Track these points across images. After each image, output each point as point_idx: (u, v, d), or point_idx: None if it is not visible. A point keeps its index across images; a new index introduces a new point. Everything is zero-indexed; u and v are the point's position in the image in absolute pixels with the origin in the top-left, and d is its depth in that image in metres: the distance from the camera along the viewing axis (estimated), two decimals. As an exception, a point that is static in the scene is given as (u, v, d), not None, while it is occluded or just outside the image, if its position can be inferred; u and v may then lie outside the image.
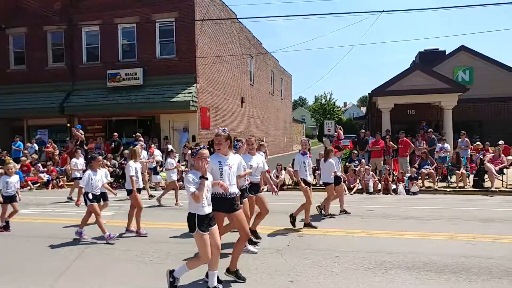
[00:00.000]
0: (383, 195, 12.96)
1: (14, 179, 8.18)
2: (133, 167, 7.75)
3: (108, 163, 16.43)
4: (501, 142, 15.00)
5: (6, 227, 8.11)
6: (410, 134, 17.71)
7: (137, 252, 6.41)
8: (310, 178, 8.01)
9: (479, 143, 16.57)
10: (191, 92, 18.33)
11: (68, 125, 20.45)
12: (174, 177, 11.63)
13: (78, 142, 18.12)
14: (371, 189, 13.12)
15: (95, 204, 7.23)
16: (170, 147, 11.79)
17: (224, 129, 4.99)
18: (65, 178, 16.39)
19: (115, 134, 18.37)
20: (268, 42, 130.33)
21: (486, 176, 13.18)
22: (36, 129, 21.71)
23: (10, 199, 8.10)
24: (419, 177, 13.58)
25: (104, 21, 19.71)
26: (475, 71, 24.64)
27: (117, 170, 16.06)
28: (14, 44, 21.60)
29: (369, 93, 24.50)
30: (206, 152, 4.47)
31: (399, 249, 6.29)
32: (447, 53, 26.46)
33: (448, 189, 13.12)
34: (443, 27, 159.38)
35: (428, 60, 25.88)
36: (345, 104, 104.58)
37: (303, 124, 64.47)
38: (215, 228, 4.56)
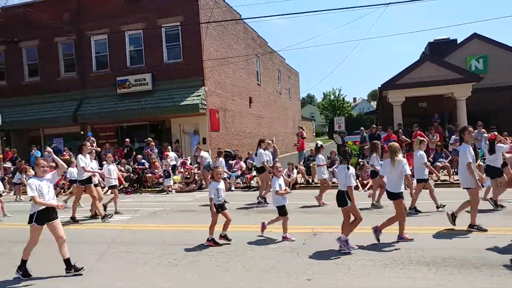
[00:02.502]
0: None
1: (223, 185, 7.21)
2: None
3: (123, 168, 16.64)
4: (520, 131, 14.62)
5: (215, 242, 6.89)
6: (423, 127, 17.50)
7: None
8: None
9: (495, 132, 16.22)
10: (200, 95, 18.42)
11: (82, 132, 20.75)
12: (325, 174, 10.92)
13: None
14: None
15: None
16: (320, 142, 11.14)
17: None
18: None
19: (127, 139, 18.56)
20: (273, 42, 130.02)
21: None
22: (52, 138, 22.05)
23: (221, 207, 7.01)
24: (434, 170, 13.37)
25: (112, 29, 19.93)
26: (489, 59, 24.15)
27: (131, 175, 16.23)
28: (27, 56, 22.06)
29: (379, 87, 24.30)
30: None
31: (417, 244, 6.20)
32: (458, 42, 26.01)
33: (464, 181, 12.88)
34: (454, 16, 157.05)
35: (439, 50, 25.47)
36: (354, 99, 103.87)
37: (313, 121, 64.20)
38: None
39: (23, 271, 5.52)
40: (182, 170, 16.37)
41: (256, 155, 11.39)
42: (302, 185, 14.31)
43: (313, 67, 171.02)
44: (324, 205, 10.28)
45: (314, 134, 59.98)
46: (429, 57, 23.20)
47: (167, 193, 14.37)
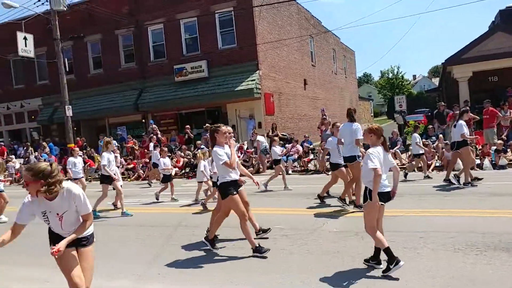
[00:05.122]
0: (466, 170, 12.08)
1: None
2: None
3: (183, 154, 17.20)
4: None
5: None
6: (494, 103, 16.23)
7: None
8: None
9: None
10: (254, 80, 18.46)
11: (143, 121, 21.70)
12: None
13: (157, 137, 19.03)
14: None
15: None
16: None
17: None
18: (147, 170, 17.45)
19: (187, 126, 19.05)
20: (327, 21, 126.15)
21: None
22: (116, 127, 23.33)
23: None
24: (508, 150, 12.42)
25: (167, 18, 20.44)
26: None
27: (192, 160, 16.73)
28: (92, 50, 23.35)
29: (442, 63, 22.88)
30: None
31: (492, 228, 5.81)
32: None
33: (543, 161, 11.87)
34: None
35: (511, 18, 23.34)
36: (414, 77, 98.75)
37: (370, 101, 62.06)
38: None
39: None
40: (239, 154, 16.59)
41: (455, 126, 9.63)
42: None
43: (370, 45, 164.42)
44: None
45: (372, 114, 58.02)
46: (500, 26, 21.32)
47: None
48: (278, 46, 21.06)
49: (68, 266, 3.42)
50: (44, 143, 21.21)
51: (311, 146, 16.28)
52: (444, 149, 12.65)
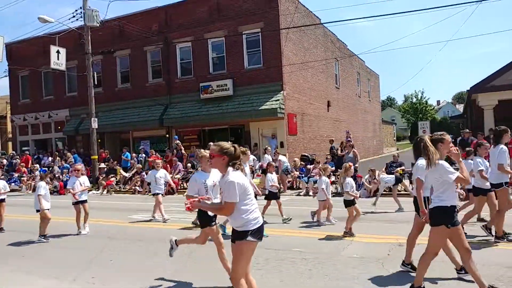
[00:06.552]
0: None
1: None
2: None
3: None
4: None
5: None
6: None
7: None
8: None
9: None
10: (278, 100, 18.66)
11: (167, 135, 22.09)
12: None
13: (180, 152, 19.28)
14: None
15: None
16: None
17: None
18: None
19: (211, 143, 19.18)
20: (353, 43, 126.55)
21: None
22: (139, 140, 23.82)
23: None
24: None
25: (195, 37, 21.01)
26: None
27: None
28: (120, 65, 24.11)
29: (467, 90, 22.64)
30: None
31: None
32: None
33: None
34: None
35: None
36: (438, 102, 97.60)
37: (393, 125, 61.46)
38: None
39: None
40: (260, 173, 16.65)
41: None
42: (384, 192, 13.73)
43: (394, 68, 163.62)
44: None
45: (395, 138, 57.39)
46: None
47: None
48: (303, 68, 21.29)
49: None
50: (69, 153, 21.84)
51: (333, 168, 16.18)
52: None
